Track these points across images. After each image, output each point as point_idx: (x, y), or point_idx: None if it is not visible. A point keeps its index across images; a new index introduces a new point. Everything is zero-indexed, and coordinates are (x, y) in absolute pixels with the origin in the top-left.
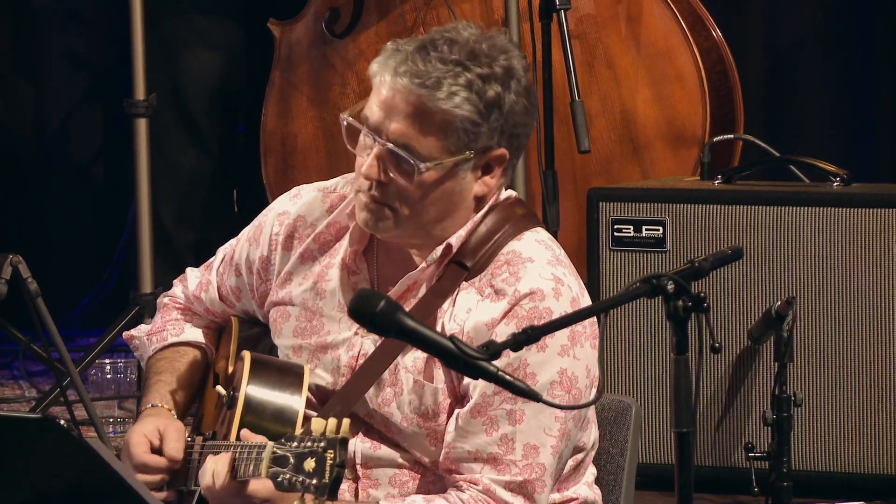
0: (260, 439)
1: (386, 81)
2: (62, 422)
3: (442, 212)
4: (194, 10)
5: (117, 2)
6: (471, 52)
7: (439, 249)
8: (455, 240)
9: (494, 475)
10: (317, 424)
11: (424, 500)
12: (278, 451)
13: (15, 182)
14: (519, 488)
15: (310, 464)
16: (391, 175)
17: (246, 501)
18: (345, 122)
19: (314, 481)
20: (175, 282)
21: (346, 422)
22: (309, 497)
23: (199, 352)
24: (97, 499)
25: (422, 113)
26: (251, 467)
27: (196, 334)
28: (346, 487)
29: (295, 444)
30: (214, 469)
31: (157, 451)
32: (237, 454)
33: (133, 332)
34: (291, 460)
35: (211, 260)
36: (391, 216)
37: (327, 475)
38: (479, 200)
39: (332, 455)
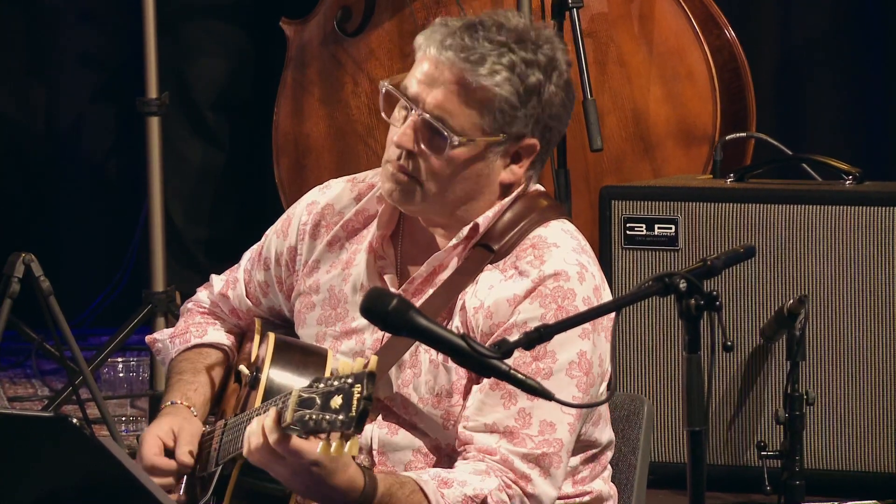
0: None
1: (430, 53)
2: (75, 420)
3: (467, 193)
4: (203, 8)
5: (128, 0)
6: (518, 36)
7: (466, 229)
8: (482, 220)
9: (511, 447)
10: (343, 366)
11: (446, 472)
12: (304, 394)
13: (27, 181)
14: (536, 461)
15: (336, 401)
16: (422, 147)
17: (295, 461)
18: (383, 89)
19: (340, 416)
20: (200, 288)
21: (373, 358)
22: (335, 436)
23: (222, 353)
24: (109, 497)
25: (462, 86)
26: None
27: (219, 336)
28: None
29: (322, 385)
30: (263, 423)
31: (170, 451)
32: (269, 409)
33: (156, 335)
34: (318, 401)
35: (236, 265)
36: (417, 190)
37: (354, 408)
38: (505, 189)
39: (359, 389)
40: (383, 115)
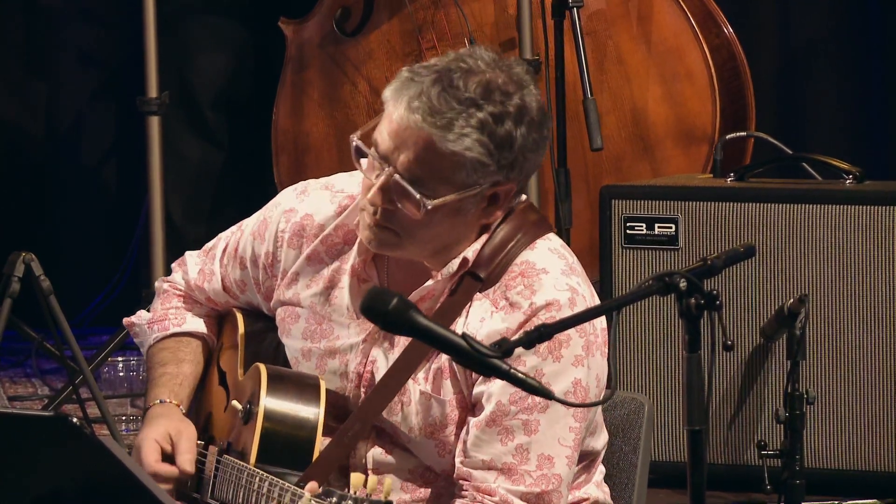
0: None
1: (399, 113)
2: (75, 420)
3: (445, 239)
4: (203, 6)
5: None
6: (486, 87)
7: (455, 262)
8: (471, 253)
9: (510, 485)
10: (356, 480)
11: None
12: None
13: (27, 180)
14: (536, 499)
15: None
16: (397, 205)
17: None
18: (354, 144)
19: None
20: (174, 266)
21: (388, 482)
22: None
23: (202, 342)
24: (110, 497)
25: (431, 152)
26: None
27: (198, 324)
28: None
29: (335, 499)
30: None
31: (168, 456)
32: (274, 494)
33: (133, 318)
34: None
35: (211, 245)
36: (394, 240)
37: None
38: (485, 227)
39: None
40: (356, 165)
